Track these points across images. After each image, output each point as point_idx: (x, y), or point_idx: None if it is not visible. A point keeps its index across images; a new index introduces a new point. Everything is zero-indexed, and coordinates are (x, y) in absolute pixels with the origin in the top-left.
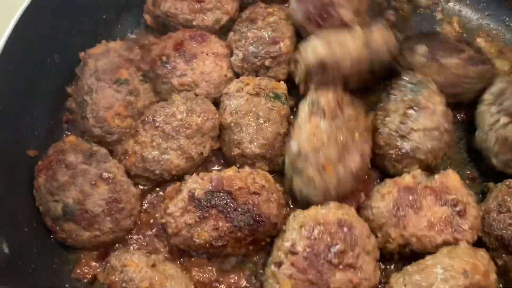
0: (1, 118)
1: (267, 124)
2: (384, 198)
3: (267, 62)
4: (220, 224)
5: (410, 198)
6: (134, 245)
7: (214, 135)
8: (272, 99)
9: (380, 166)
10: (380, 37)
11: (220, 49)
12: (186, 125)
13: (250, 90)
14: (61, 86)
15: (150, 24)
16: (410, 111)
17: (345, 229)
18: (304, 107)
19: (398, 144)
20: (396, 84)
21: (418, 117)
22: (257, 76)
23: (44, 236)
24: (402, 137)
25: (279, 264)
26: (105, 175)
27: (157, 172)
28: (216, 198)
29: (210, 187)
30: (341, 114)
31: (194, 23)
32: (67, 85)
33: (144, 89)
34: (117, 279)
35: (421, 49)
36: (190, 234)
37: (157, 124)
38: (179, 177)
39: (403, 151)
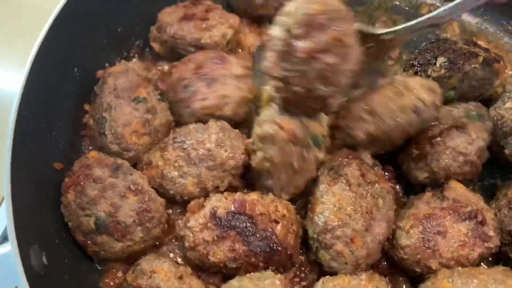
0: (28, 133)
1: (300, 174)
2: (410, 234)
3: None
4: (237, 246)
5: (434, 224)
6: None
7: (236, 173)
8: (309, 146)
9: None
10: (425, 93)
11: (240, 70)
12: (211, 156)
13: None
14: (80, 101)
15: (159, 52)
16: None
17: None
18: (325, 176)
19: None
20: None
21: None
22: None
23: (74, 248)
24: None
25: None
26: (133, 186)
27: (170, 192)
28: (236, 220)
29: (232, 208)
30: (364, 181)
31: (202, 41)
32: (85, 101)
33: (161, 107)
34: (144, 283)
35: (440, 60)
36: (206, 251)
37: (185, 146)
38: (189, 201)
39: None
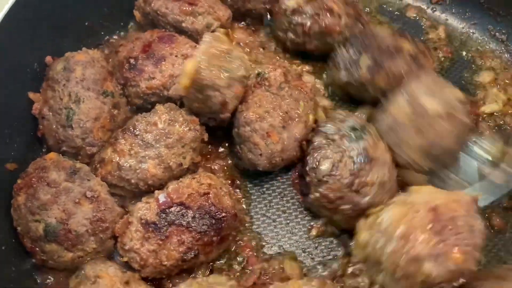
0: None
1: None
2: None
3: None
4: (184, 237)
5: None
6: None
7: (196, 146)
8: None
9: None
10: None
11: (190, 50)
12: (166, 134)
13: None
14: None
15: (138, 21)
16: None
17: None
18: (252, 82)
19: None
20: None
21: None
22: None
23: (23, 256)
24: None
25: None
26: (89, 193)
27: (132, 181)
28: (170, 215)
29: (159, 207)
30: (287, 85)
31: (184, 25)
32: None
33: (123, 102)
34: None
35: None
36: (159, 259)
37: (137, 133)
38: (156, 187)
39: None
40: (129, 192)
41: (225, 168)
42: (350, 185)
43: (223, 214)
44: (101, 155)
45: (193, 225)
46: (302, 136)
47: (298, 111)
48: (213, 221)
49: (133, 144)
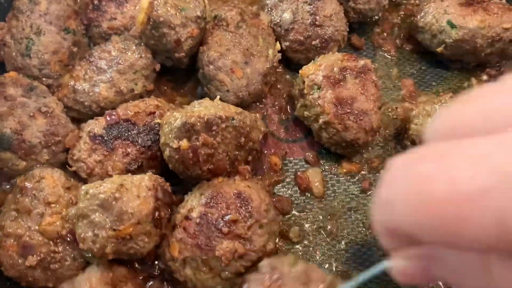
0: None
1: None
2: None
3: None
4: (129, 149)
5: None
6: None
7: (148, 74)
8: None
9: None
10: None
11: None
12: (119, 60)
13: None
14: None
15: None
16: None
17: (242, 201)
18: (210, 25)
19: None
20: None
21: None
22: None
23: None
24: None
25: (173, 228)
26: (44, 109)
27: (86, 103)
28: (116, 129)
29: (107, 122)
30: (244, 24)
31: None
32: None
33: (84, 42)
34: (30, 185)
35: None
36: (104, 169)
37: (91, 59)
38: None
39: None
40: (83, 115)
41: None
42: (313, 23)
43: None
44: (59, 80)
45: (138, 140)
46: (265, 70)
47: (258, 47)
48: (157, 137)
49: (88, 70)
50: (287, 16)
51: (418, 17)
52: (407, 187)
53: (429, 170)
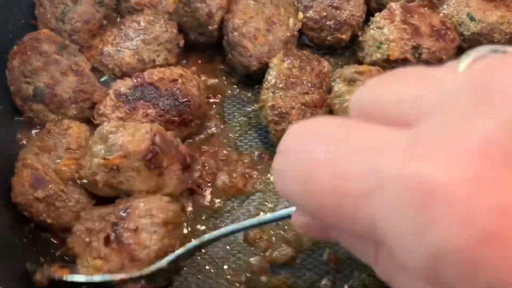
0: None
1: None
2: None
3: None
4: (149, 111)
5: None
6: None
7: (171, 47)
8: None
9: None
10: None
11: None
12: (146, 31)
13: None
14: None
15: None
16: None
17: None
18: None
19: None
20: None
21: None
22: None
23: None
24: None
25: None
26: (75, 67)
27: (110, 66)
28: (140, 91)
29: (133, 83)
30: None
31: None
32: None
33: (113, 17)
34: (57, 130)
35: None
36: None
37: (122, 27)
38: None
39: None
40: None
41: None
42: (331, 4)
43: (186, 99)
44: (90, 42)
45: (158, 103)
46: (285, 38)
47: (279, 16)
48: (177, 103)
49: (116, 36)
50: None
51: (440, 8)
52: (296, 167)
53: (320, 156)
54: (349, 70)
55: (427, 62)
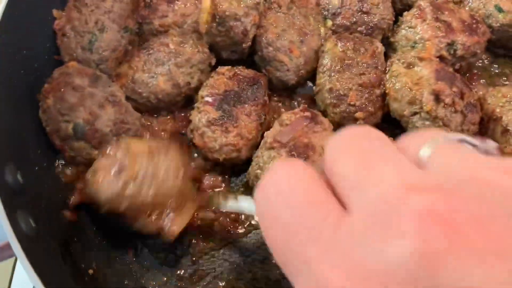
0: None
1: None
2: None
3: None
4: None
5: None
6: None
7: (204, 68)
8: None
9: None
10: None
11: None
12: (176, 54)
13: None
14: None
15: None
16: None
17: None
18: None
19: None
20: None
21: None
22: None
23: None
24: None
25: None
26: (111, 98)
27: (144, 94)
28: (226, 101)
29: (213, 105)
30: (294, 5)
31: None
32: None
33: (136, 40)
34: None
35: None
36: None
37: (150, 52)
38: (166, 103)
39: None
40: (140, 105)
41: None
42: (360, 9)
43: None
44: (117, 70)
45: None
46: (318, 47)
47: (310, 26)
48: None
49: (147, 62)
50: (335, 1)
51: (465, 2)
52: (267, 207)
53: (285, 221)
54: (411, 53)
55: (462, 58)
